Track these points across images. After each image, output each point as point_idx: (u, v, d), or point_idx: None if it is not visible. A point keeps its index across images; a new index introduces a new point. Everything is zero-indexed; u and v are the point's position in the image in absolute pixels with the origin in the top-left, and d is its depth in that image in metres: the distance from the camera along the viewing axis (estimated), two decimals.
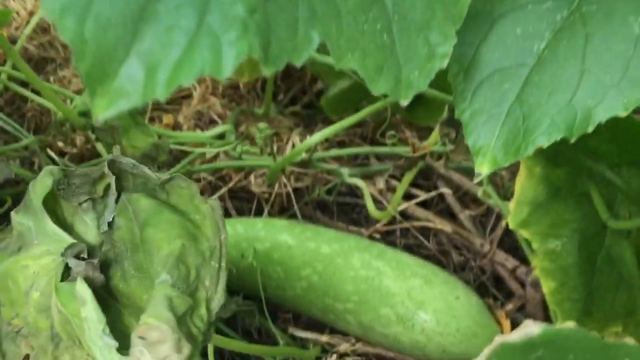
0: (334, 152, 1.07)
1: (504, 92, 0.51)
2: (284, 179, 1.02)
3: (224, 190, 1.03)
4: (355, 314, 0.82)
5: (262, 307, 0.86)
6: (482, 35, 0.52)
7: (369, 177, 1.05)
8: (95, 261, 0.57)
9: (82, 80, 0.33)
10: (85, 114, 0.86)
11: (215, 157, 1.05)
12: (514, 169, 0.84)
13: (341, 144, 1.14)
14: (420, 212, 1.02)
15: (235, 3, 0.37)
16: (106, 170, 0.60)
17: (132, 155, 0.86)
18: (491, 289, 0.95)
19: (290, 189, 1.01)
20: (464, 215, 1.02)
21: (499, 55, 0.52)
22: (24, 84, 1.02)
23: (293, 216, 1.01)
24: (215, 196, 1.02)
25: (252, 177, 1.05)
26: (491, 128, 0.51)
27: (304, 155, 0.98)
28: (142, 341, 0.48)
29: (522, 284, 0.93)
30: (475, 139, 0.52)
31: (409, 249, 0.99)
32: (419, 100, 1.01)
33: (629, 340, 0.40)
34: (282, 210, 1.03)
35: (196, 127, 1.16)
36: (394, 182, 1.04)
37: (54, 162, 0.96)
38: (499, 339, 0.41)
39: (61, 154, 1.05)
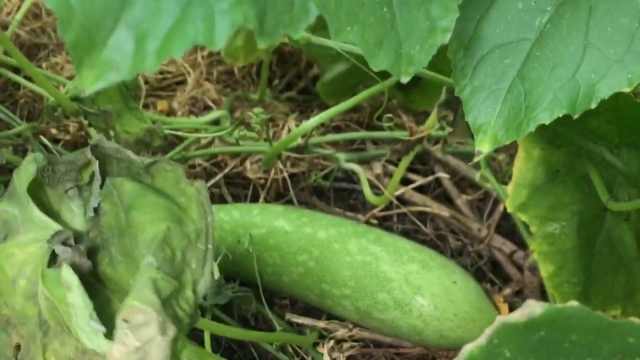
0: (330, 137, 1.06)
1: (505, 67, 0.50)
2: (280, 165, 1.01)
3: (219, 176, 1.02)
4: (352, 300, 0.82)
5: (259, 293, 0.86)
6: (483, 9, 0.51)
7: (365, 162, 1.04)
8: (82, 247, 0.56)
9: (69, 51, 0.32)
10: (78, 99, 0.85)
11: (210, 143, 1.04)
12: (512, 152, 0.83)
13: (337, 129, 1.13)
14: (418, 197, 1.01)
15: None
16: (89, 154, 0.59)
17: (126, 140, 0.85)
18: (488, 274, 0.94)
19: (286, 175, 1.00)
20: (461, 200, 1.01)
21: (500, 30, 0.51)
22: (17, 71, 1.01)
23: (289, 202, 1.00)
24: (211, 182, 1.01)
25: (247, 163, 1.04)
26: (492, 105, 0.50)
27: (299, 141, 0.97)
28: (126, 324, 0.47)
29: (520, 269, 0.93)
30: (475, 117, 0.51)
31: (406, 234, 0.98)
32: (416, 83, 1.00)
33: (634, 320, 0.39)
34: (278, 196, 1.02)
35: (191, 113, 1.15)
36: (390, 167, 1.04)
37: (47, 149, 0.94)
38: (500, 319, 0.41)
39: (54, 141, 1.04)
